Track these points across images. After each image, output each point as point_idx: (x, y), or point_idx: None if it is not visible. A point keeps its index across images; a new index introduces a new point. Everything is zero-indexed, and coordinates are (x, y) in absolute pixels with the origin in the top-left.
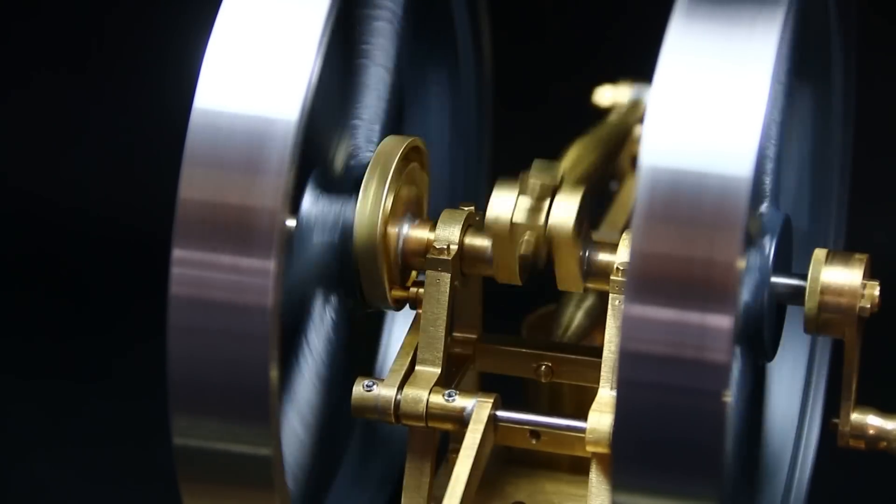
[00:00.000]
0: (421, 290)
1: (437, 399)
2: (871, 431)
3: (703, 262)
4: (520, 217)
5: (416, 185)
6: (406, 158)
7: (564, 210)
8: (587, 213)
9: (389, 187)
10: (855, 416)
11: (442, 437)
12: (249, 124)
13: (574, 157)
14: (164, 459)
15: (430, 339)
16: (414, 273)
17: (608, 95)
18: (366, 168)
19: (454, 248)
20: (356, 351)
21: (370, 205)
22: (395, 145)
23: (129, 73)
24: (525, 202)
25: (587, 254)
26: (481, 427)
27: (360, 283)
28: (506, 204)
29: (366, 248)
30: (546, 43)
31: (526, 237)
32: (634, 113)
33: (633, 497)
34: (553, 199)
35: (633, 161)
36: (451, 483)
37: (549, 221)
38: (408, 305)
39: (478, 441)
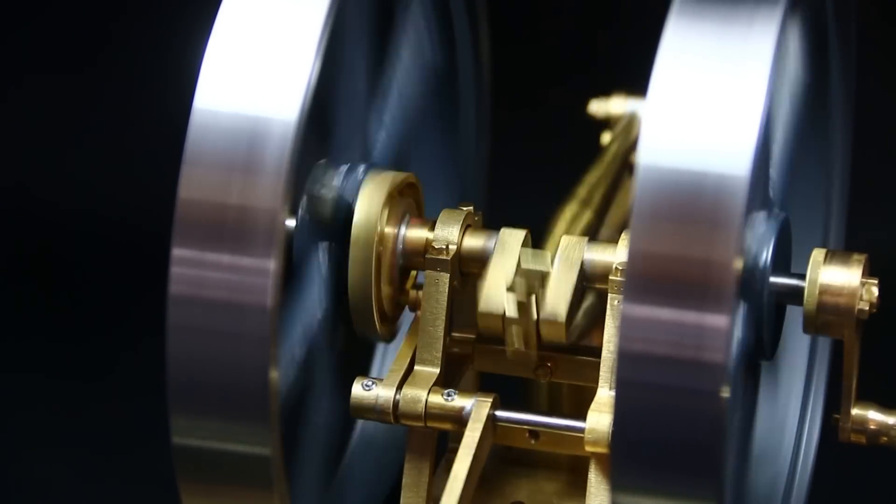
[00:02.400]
0: (419, 293)
1: (436, 399)
2: (872, 426)
3: (700, 261)
4: (511, 311)
5: (411, 186)
6: (400, 193)
7: (554, 309)
8: (579, 299)
9: (387, 192)
10: (856, 412)
11: (441, 437)
12: (249, 124)
13: (570, 216)
14: (163, 459)
15: (429, 338)
16: (413, 274)
17: (602, 107)
18: (367, 167)
19: (453, 248)
20: (354, 350)
21: (367, 211)
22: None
23: (129, 73)
24: (513, 298)
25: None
26: (480, 426)
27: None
28: (497, 298)
29: (361, 253)
30: (544, 45)
31: (516, 335)
32: (629, 135)
33: (633, 497)
34: (544, 289)
35: (631, 170)
36: (450, 482)
37: (542, 316)
38: (407, 308)
39: (476, 440)
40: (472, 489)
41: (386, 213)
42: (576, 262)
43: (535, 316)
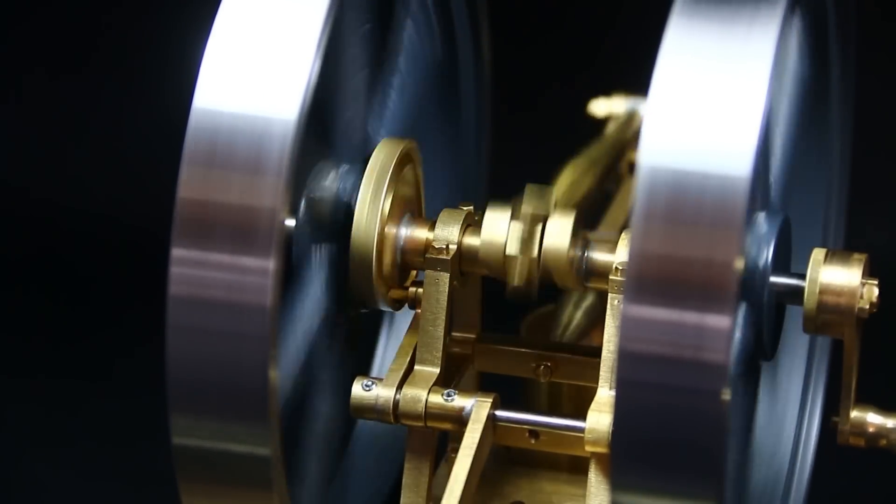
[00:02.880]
0: (419, 290)
1: (436, 399)
2: (871, 429)
3: (701, 262)
4: (513, 248)
5: (410, 186)
6: (401, 163)
7: (558, 238)
8: (581, 230)
9: (387, 192)
10: (855, 414)
11: (441, 437)
12: (249, 124)
13: (568, 180)
14: (163, 459)
15: (429, 338)
16: (413, 273)
17: (603, 107)
18: (366, 167)
19: (453, 247)
20: (354, 350)
21: (367, 209)
22: (391, 149)
23: (129, 73)
24: (517, 231)
25: (586, 254)
26: (480, 426)
27: (353, 285)
28: (498, 232)
29: (361, 253)
30: (545, 44)
31: (519, 267)
32: (630, 128)
33: (633, 497)
34: (545, 227)
35: (631, 168)
36: (450, 482)
37: (543, 250)
38: (406, 305)
39: (477, 440)
40: (473, 490)
41: (386, 210)
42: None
43: (536, 252)
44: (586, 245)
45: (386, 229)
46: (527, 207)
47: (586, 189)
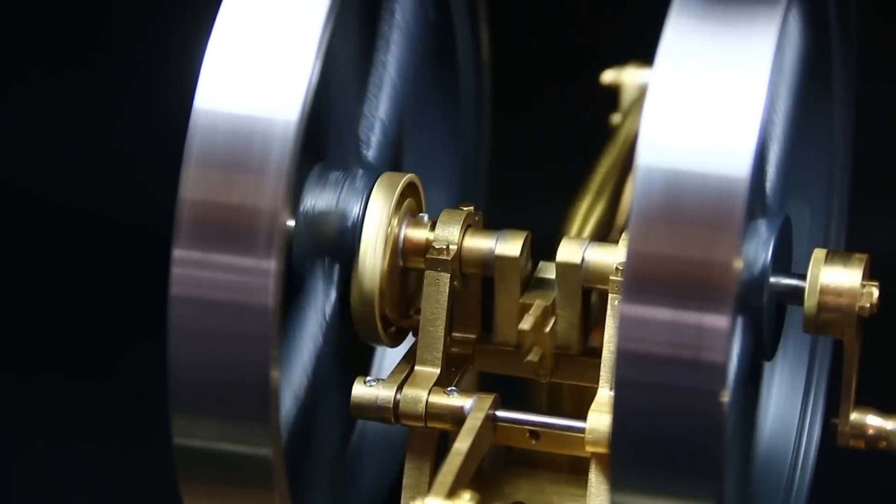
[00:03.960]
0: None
1: (437, 399)
2: (871, 431)
3: (700, 262)
4: (525, 326)
5: (413, 216)
6: (402, 195)
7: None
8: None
9: (387, 243)
10: (854, 416)
11: (441, 437)
12: (250, 124)
13: (583, 213)
14: (164, 459)
15: (429, 338)
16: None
17: (614, 77)
18: (366, 166)
19: (453, 248)
20: (354, 351)
21: (368, 263)
22: (389, 190)
23: (129, 73)
24: (529, 319)
25: (586, 253)
26: (481, 415)
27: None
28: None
29: (364, 304)
30: (545, 45)
31: (533, 350)
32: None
33: (633, 497)
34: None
35: None
36: (449, 456)
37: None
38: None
39: (477, 427)
40: (471, 471)
41: (395, 220)
42: (576, 290)
43: (547, 329)
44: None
45: (392, 232)
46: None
47: (601, 214)
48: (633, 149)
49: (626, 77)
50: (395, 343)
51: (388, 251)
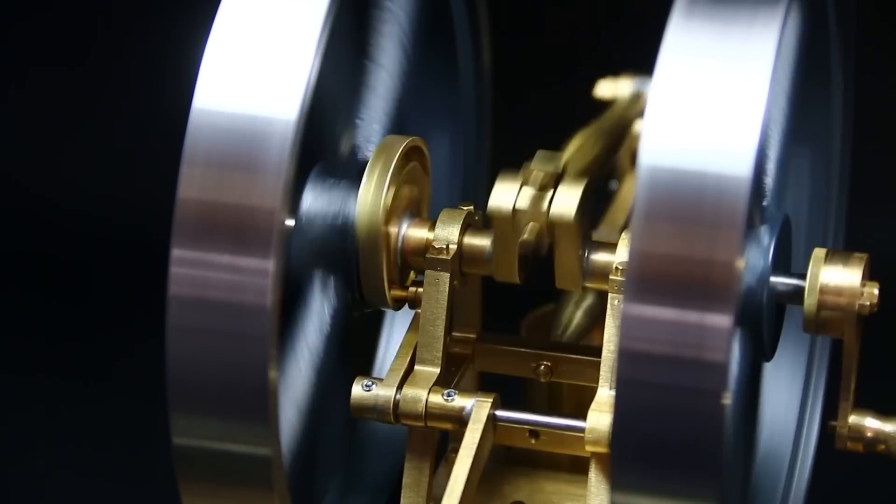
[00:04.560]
0: (420, 290)
1: (436, 399)
2: (869, 434)
3: (702, 261)
4: (522, 205)
5: (416, 184)
6: (406, 157)
7: (567, 199)
8: (589, 205)
9: (390, 183)
10: (853, 419)
11: (441, 436)
12: (249, 124)
13: (576, 147)
14: (164, 459)
15: (429, 338)
16: (413, 273)
17: (609, 88)
18: (366, 166)
19: (453, 247)
20: (355, 350)
21: (371, 199)
22: (396, 143)
23: (128, 73)
24: (528, 191)
25: (587, 253)
26: (480, 426)
27: (360, 280)
28: (508, 193)
29: (367, 242)
30: (546, 41)
31: (528, 227)
32: (636, 106)
33: (633, 497)
34: (556, 189)
35: (633, 158)
36: (451, 482)
37: (552, 210)
38: (407, 305)
39: (477, 440)
40: (473, 490)
41: (389, 204)
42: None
43: (545, 209)
44: (590, 231)
45: (388, 227)
46: (537, 169)
47: (594, 157)
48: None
49: (620, 89)
50: (397, 305)
51: (389, 198)
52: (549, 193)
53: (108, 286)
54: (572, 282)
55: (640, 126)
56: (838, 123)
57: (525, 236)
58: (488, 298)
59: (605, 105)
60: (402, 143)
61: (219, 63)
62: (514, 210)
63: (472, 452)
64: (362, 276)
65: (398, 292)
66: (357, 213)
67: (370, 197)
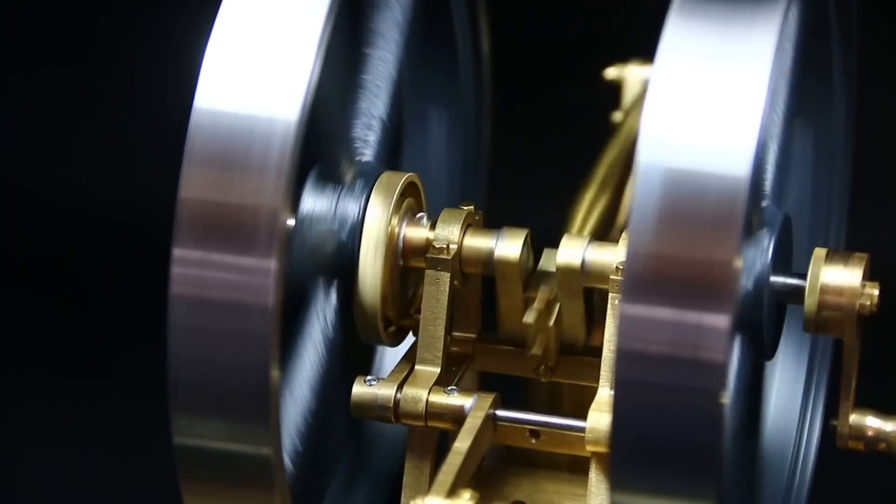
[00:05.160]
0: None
1: (437, 398)
2: (870, 433)
3: (701, 261)
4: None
5: (413, 215)
6: (402, 195)
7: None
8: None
9: (386, 253)
10: (854, 418)
11: (441, 436)
12: (250, 123)
13: (585, 207)
14: (164, 459)
15: (429, 338)
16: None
17: (618, 73)
18: (366, 165)
19: (454, 247)
20: (355, 350)
21: (370, 265)
22: (389, 188)
23: (129, 73)
24: (533, 311)
25: (587, 253)
26: (482, 415)
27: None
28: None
29: (366, 310)
30: (545, 43)
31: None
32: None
33: (632, 496)
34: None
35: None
36: (449, 455)
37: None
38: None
39: (478, 425)
40: (471, 470)
41: (395, 220)
42: (577, 289)
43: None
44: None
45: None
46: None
47: (604, 209)
48: (635, 145)
49: (629, 74)
50: (395, 342)
51: (389, 252)
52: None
53: (109, 286)
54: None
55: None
56: (839, 122)
57: (534, 349)
58: (488, 298)
59: (604, 105)
60: (398, 183)
61: (220, 63)
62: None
63: (473, 433)
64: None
65: (402, 322)
66: (359, 275)
67: (369, 259)
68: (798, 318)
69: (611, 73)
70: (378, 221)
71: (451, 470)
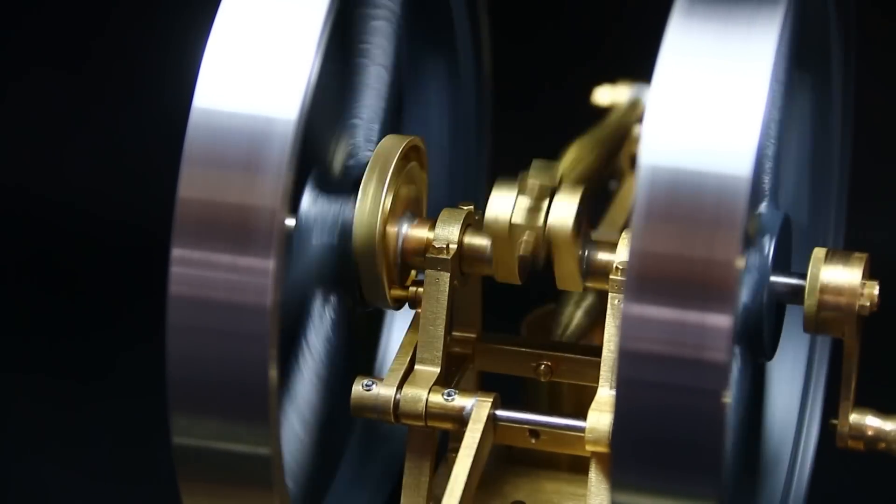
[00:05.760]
0: (420, 290)
1: (437, 398)
2: (870, 432)
3: (702, 261)
4: (519, 217)
5: (415, 183)
6: (405, 157)
7: (563, 210)
8: (586, 212)
9: (389, 186)
10: (853, 417)
11: (441, 436)
12: (249, 123)
13: (573, 157)
14: (164, 459)
15: (429, 338)
16: (413, 272)
17: (607, 95)
18: (365, 167)
19: (453, 247)
20: (356, 350)
21: (369, 203)
22: (395, 144)
23: (128, 73)
24: (524, 202)
25: (587, 253)
26: (480, 426)
27: (359, 281)
28: (505, 204)
29: (365, 246)
30: (545, 42)
31: (525, 237)
32: (634, 112)
33: (633, 496)
34: (552, 200)
35: (632, 161)
36: (451, 482)
37: (549, 222)
38: (407, 304)
39: (477, 440)
40: (473, 490)
41: (388, 208)
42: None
43: (541, 223)
44: (589, 230)
45: (387, 228)
46: (533, 180)
47: (590, 166)
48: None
49: (618, 96)
50: (397, 305)
51: (388, 201)
52: (546, 204)
53: (108, 285)
54: (573, 283)
55: (638, 130)
56: (838, 122)
57: (521, 251)
58: (488, 298)
59: (603, 110)
60: (400, 145)
61: (219, 62)
62: (511, 224)
63: (472, 452)
64: (361, 277)
65: (398, 292)
66: (355, 216)
67: (369, 201)
68: (798, 318)
69: (602, 97)
70: (375, 186)
71: (453, 497)
